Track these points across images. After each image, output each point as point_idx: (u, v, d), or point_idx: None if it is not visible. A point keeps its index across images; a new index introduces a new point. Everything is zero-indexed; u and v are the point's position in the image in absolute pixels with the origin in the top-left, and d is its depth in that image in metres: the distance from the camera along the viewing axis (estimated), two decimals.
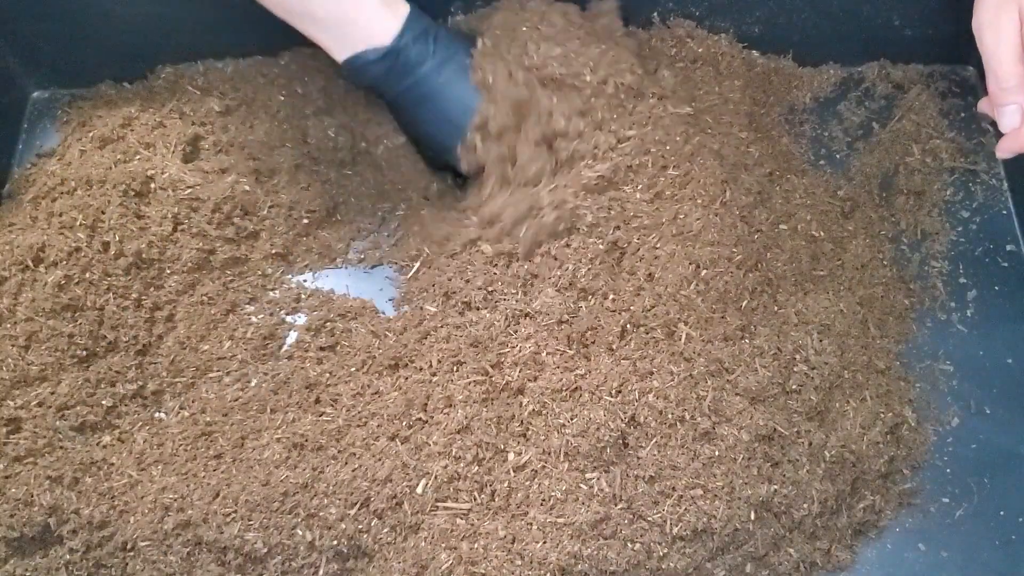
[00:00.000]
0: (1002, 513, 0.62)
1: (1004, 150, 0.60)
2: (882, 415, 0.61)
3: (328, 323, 0.66)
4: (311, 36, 0.67)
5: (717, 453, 0.56)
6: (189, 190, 0.67)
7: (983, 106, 0.64)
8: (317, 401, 0.63)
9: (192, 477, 0.59)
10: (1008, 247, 0.71)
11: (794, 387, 0.59)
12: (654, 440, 0.56)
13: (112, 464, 0.60)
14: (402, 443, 0.59)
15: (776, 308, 0.63)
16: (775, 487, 0.57)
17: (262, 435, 0.61)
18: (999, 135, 0.61)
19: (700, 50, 0.74)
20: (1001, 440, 0.64)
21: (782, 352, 0.60)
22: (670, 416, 0.56)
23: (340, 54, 0.66)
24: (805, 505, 0.58)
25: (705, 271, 0.60)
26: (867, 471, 0.60)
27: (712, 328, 0.59)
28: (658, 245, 0.61)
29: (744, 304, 0.61)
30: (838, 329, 0.63)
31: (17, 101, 0.79)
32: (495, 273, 0.65)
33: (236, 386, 0.64)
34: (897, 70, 0.77)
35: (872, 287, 0.67)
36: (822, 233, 0.68)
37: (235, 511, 0.57)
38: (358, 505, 0.57)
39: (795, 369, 0.60)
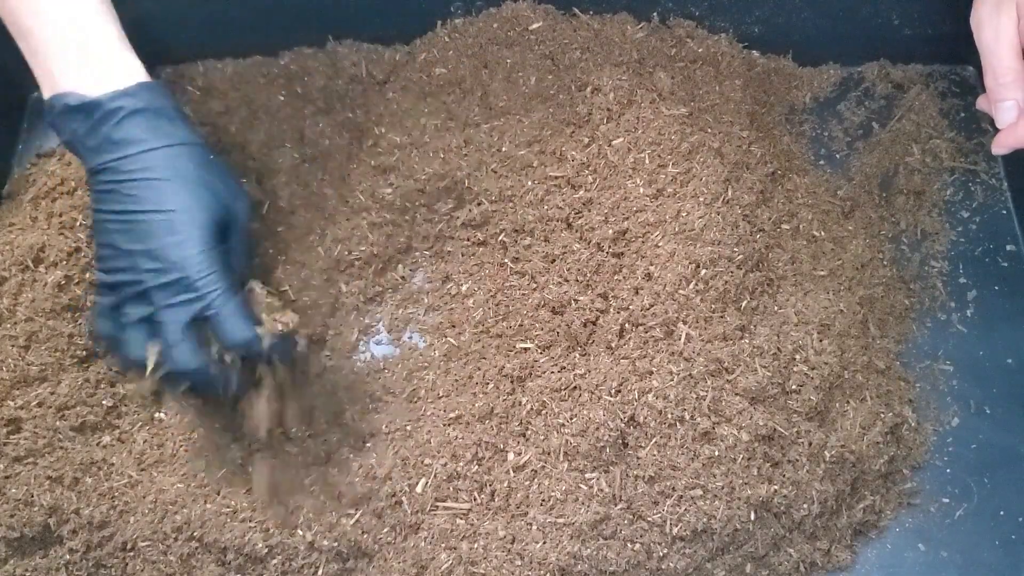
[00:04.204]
0: (1002, 513, 0.62)
1: (1000, 146, 0.60)
2: (882, 415, 0.61)
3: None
4: (27, 58, 0.56)
5: (717, 453, 0.56)
6: None
7: (981, 103, 0.64)
8: (316, 400, 0.63)
9: (192, 477, 0.59)
10: (1008, 247, 0.71)
11: (794, 387, 0.59)
12: (654, 440, 0.56)
13: (112, 464, 0.60)
14: (403, 441, 0.59)
15: (776, 308, 0.63)
16: (775, 487, 0.57)
17: None
18: (997, 132, 0.61)
19: (700, 50, 0.74)
20: (1001, 440, 0.64)
21: (782, 352, 0.60)
22: (670, 416, 0.56)
23: (48, 89, 0.54)
24: (805, 505, 0.58)
25: (705, 271, 0.60)
26: (867, 471, 0.60)
27: (711, 328, 0.59)
28: (659, 243, 0.61)
29: (744, 304, 0.61)
30: (838, 329, 0.63)
31: (17, 101, 0.79)
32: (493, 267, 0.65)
33: None
34: (897, 70, 0.77)
35: (872, 287, 0.67)
36: (823, 233, 0.68)
37: (235, 511, 0.57)
38: (358, 504, 0.57)
39: (795, 369, 0.60)
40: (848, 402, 0.61)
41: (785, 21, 0.75)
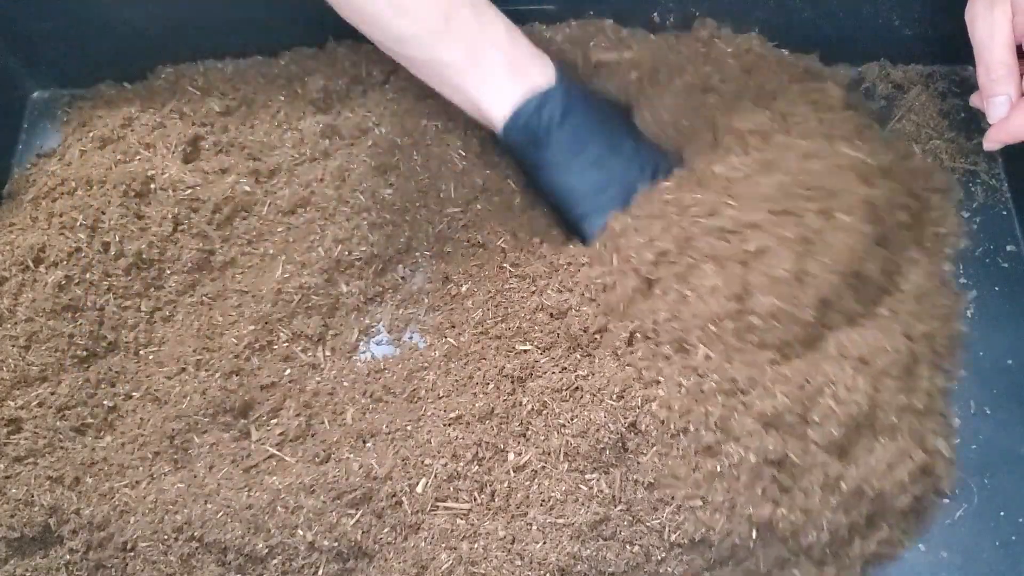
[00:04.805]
0: (1002, 513, 0.62)
1: (992, 140, 0.60)
2: (913, 454, 0.58)
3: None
4: (463, 89, 0.65)
5: (719, 468, 0.55)
6: (189, 190, 0.67)
7: (975, 100, 0.64)
8: (316, 400, 0.63)
9: (192, 477, 0.59)
10: (1008, 247, 0.71)
11: (816, 418, 0.57)
12: (655, 448, 0.56)
13: (112, 464, 0.60)
14: (403, 441, 0.59)
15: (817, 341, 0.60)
16: (782, 510, 0.55)
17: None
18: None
19: (730, 50, 0.73)
20: (1001, 440, 0.64)
21: (810, 383, 0.57)
22: (672, 427, 0.56)
23: (505, 106, 0.65)
24: (813, 532, 0.56)
25: (755, 319, 0.58)
26: (889, 508, 0.58)
27: (736, 355, 0.58)
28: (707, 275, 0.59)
29: (787, 351, 0.59)
30: (879, 367, 0.59)
31: (17, 101, 0.79)
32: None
33: None
34: (897, 70, 0.77)
35: (930, 321, 0.63)
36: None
37: (236, 511, 0.57)
38: (358, 504, 0.57)
39: (820, 401, 0.57)
40: (877, 440, 0.58)
41: (785, 21, 0.75)
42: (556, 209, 0.70)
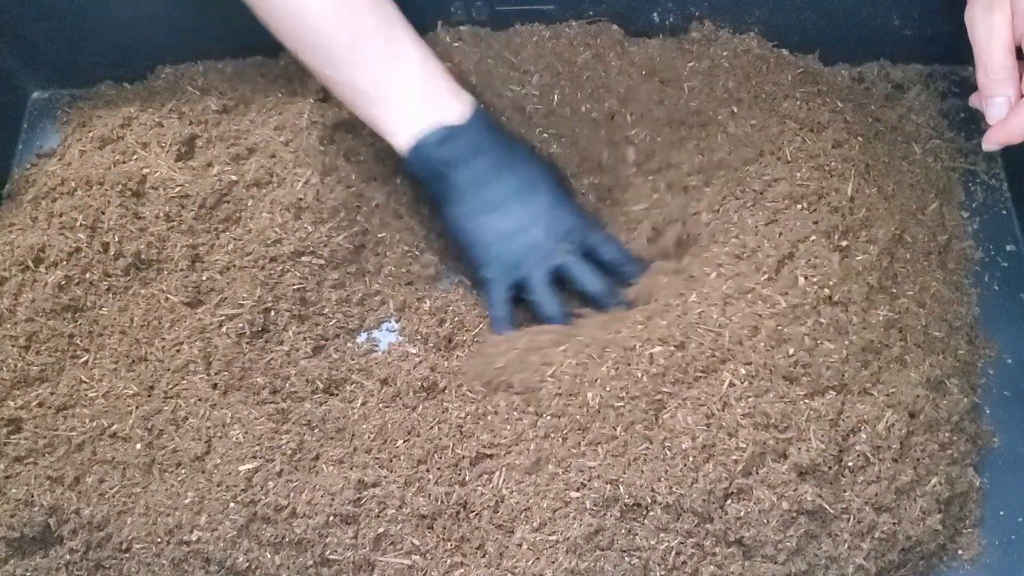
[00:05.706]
0: (1002, 513, 0.62)
1: (991, 141, 0.60)
2: (947, 496, 0.57)
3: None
4: (371, 115, 0.65)
5: (743, 513, 0.53)
6: (179, 188, 0.67)
7: (974, 100, 0.64)
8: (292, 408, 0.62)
9: (179, 483, 0.58)
10: (1008, 247, 0.71)
11: (850, 464, 0.54)
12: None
13: (113, 464, 0.60)
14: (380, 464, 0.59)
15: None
16: (806, 559, 0.54)
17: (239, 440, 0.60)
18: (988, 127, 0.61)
19: (725, 53, 0.72)
20: (1001, 440, 0.64)
21: (842, 421, 0.55)
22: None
23: (407, 137, 0.64)
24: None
25: (793, 349, 0.56)
26: (922, 551, 0.57)
27: (765, 384, 0.55)
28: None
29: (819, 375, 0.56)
30: (916, 407, 0.57)
31: (17, 101, 0.79)
32: None
33: None
34: (897, 70, 0.77)
35: (945, 329, 0.62)
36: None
37: (217, 523, 0.56)
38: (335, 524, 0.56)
39: (856, 448, 0.55)
40: (913, 488, 0.56)
41: (785, 22, 0.74)
42: (457, 256, 0.68)
